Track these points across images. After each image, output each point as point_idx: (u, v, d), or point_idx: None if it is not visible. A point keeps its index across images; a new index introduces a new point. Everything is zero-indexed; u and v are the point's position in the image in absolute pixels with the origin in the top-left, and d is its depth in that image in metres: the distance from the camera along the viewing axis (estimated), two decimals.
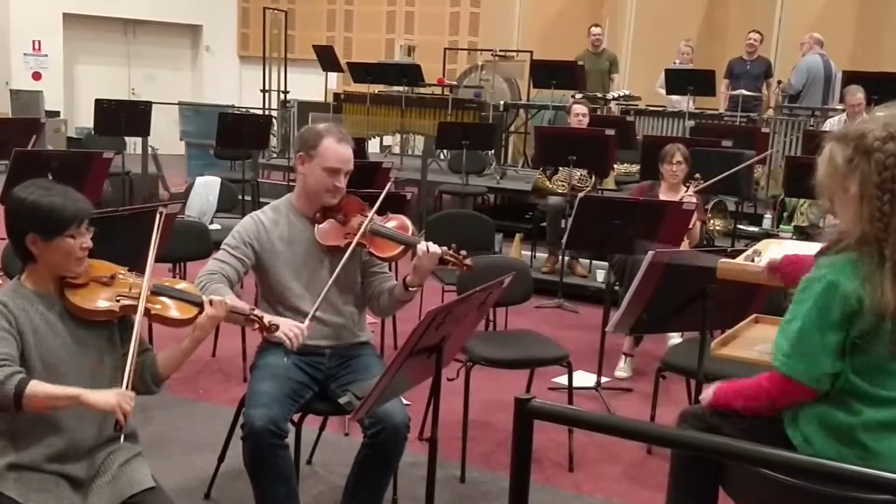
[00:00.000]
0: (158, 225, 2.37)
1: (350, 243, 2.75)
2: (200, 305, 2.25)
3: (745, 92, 8.54)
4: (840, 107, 7.81)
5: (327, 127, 2.83)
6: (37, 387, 1.96)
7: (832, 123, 7.28)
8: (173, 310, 2.25)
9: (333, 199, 2.81)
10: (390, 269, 3.06)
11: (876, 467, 1.27)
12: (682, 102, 8.94)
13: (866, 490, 1.23)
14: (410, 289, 2.80)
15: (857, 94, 6.80)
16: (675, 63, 9.27)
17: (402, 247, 2.78)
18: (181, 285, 2.33)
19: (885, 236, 1.85)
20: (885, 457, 1.91)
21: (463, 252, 2.77)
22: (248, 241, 2.79)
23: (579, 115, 6.43)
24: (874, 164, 1.85)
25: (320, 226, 2.83)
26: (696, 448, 1.38)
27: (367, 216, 2.81)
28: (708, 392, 2.18)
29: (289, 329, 2.60)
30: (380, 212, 2.88)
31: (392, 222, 2.86)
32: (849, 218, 1.91)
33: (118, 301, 2.17)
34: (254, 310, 2.44)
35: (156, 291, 2.24)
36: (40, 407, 1.99)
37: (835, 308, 1.89)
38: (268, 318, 2.51)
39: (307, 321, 2.66)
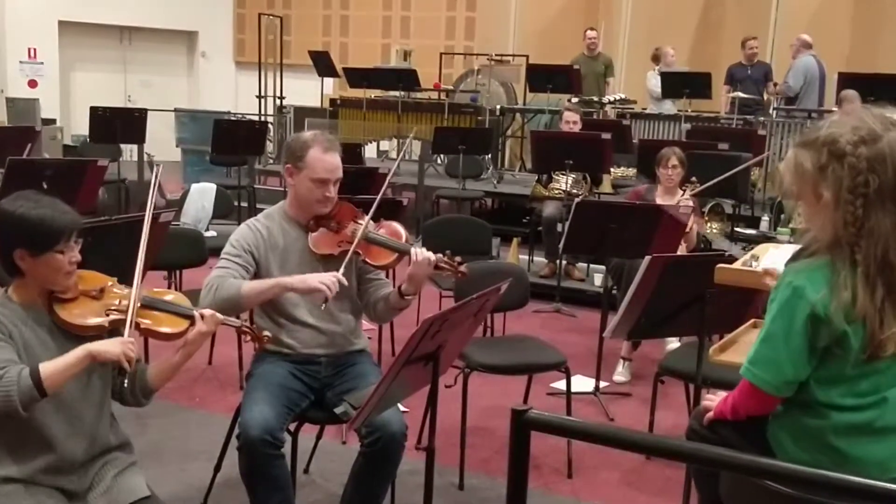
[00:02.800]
0: (145, 235, 2.33)
1: (344, 251, 2.73)
2: (191, 318, 2.23)
3: (741, 94, 8.55)
4: (836, 108, 7.81)
5: (313, 136, 2.78)
6: (48, 367, 1.97)
7: None
8: (164, 323, 2.22)
9: (325, 209, 2.79)
10: (387, 276, 3.04)
11: (855, 473, 1.26)
12: (667, 105, 8.97)
13: (860, 499, 1.22)
14: (406, 297, 2.78)
15: (855, 101, 6.79)
16: (655, 69, 9.28)
17: (397, 254, 2.76)
18: (171, 297, 2.30)
19: (857, 241, 1.82)
20: (863, 461, 1.90)
21: (458, 258, 2.75)
22: (248, 249, 2.77)
23: (570, 122, 6.38)
24: (847, 168, 1.82)
25: (314, 234, 2.80)
26: (691, 459, 1.37)
27: (360, 223, 2.79)
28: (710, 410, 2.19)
29: (324, 278, 2.60)
30: (374, 219, 2.86)
31: (385, 230, 2.84)
32: (820, 224, 1.89)
33: (107, 315, 2.15)
34: (245, 321, 2.41)
35: (146, 304, 2.22)
36: (63, 380, 1.99)
37: (799, 315, 1.86)
38: (294, 286, 2.60)
39: (341, 269, 2.66)
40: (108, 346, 2.02)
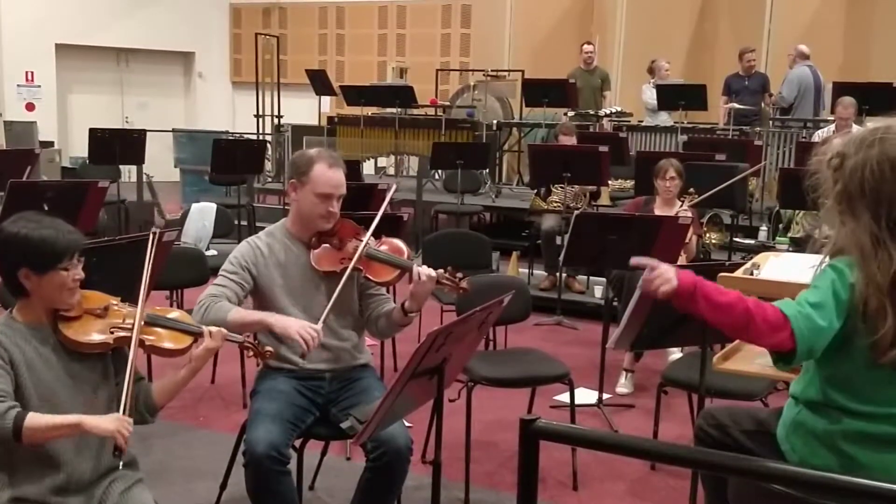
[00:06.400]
0: (150, 254, 2.34)
1: (346, 268, 2.74)
2: (194, 334, 2.25)
3: (736, 105, 8.59)
4: (831, 117, 7.86)
5: (318, 152, 2.81)
6: (35, 419, 1.96)
7: (820, 135, 7.32)
8: (168, 340, 2.24)
9: (328, 224, 2.81)
10: (387, 291, 3.05)
11: (863, 479, 1.27)
12: (663, 117, 9.01)
13: (865, 501, 1.23)
14: (409, 314, 2.79)
15: (850, 108, 6.83)
16: (649, 81, 9.33)
17: (398, 271, 2.78)
18: (174, 314, 2.32)
19: (843, 245, 1.90)
20: (872, 468, 1.90)
21: (459, 274, 2.77)
22: (246, 266, 2.79)
23: (566, 144, 6.46)
24: (840, 176, 1.91)
25: (315, 251, 2.82)
26: (701, 465, 1.37)
27: (361, 240, 2.81)
28: (669, 276, 1.92)
29: (304, 330, 2.58)
30: (375, 235, 2.87)
31: (387, 246, 2.86)
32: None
33: (112, 333, 2.16)
34: (248, 337, 2.42)
35: (150, 322, 2.23)
36: (42, 438, 1.98)
37: (841, 295, 1.86)
38: (273, 326, 2.54)
39: (320, 323, 2.65)
40: (103, 423, 2.00)
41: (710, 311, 1.88)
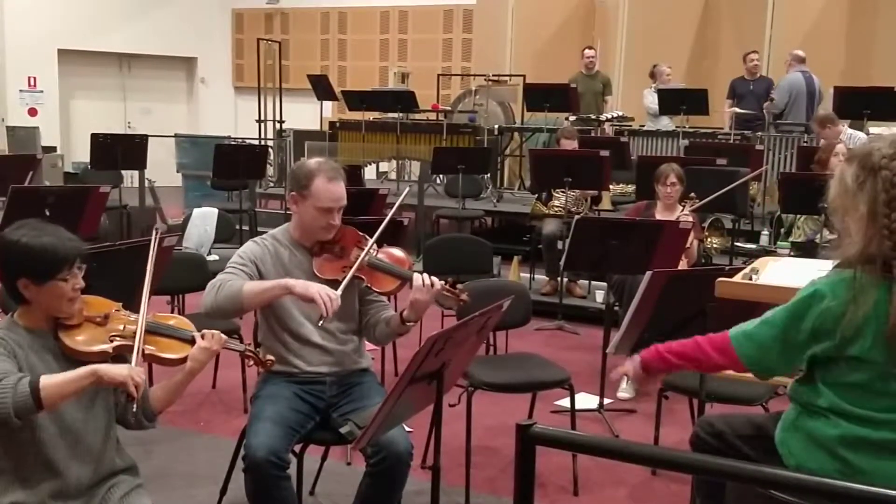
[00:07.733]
0: (152, 262, 2.34)
1: (347, 276, 2.75)
2: (194, 342, 2.24)
3: (738, 110, 8.58)
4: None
5: (318, 165, 2.81)
6: (49, 379, 1.95)
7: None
8: (168, 349, 2.23)
9: (329, 235, 2.82)
10: (388, 299, 3.05)
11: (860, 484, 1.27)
12: (665, 122, 9.01)
13: None
14: (407, 323, 2.79)
15: (814, 123, 6.95)
16: (651, 86, 9.34)
17: (399, 281, 2.78)
18: (174, 321, 2.31)
19: (894, 255, 1.82)
20: (870, 475, 1.89)
21: (459, 286, 2.78)
22: (254, 261, 2.80)
23: (567, 149, 6.47)
24: (881, 181, 1.83)
25: (318, 259, 2.82)
26: (698, 470, 1.37)
27: (363, 248, 2.81)
28: (632, 363, 2.21)
29: (324, 293, 2.59)
30: (377, 244, 2.87)
31: (389, 256, 2.85)
32: (859, 237, 1.89)
33: (112, 342, 2.16)
34: (249, 345, 2.42)
35: (151, 330, 2.23)
36: (61, 395, 1.96)
37: (810, 316, 1.89)
38: (294, 287, 2.58)
39: (339, 290, 2.66)
40: (117, 370, 2.02)
41: (678, 359, 2.13)
